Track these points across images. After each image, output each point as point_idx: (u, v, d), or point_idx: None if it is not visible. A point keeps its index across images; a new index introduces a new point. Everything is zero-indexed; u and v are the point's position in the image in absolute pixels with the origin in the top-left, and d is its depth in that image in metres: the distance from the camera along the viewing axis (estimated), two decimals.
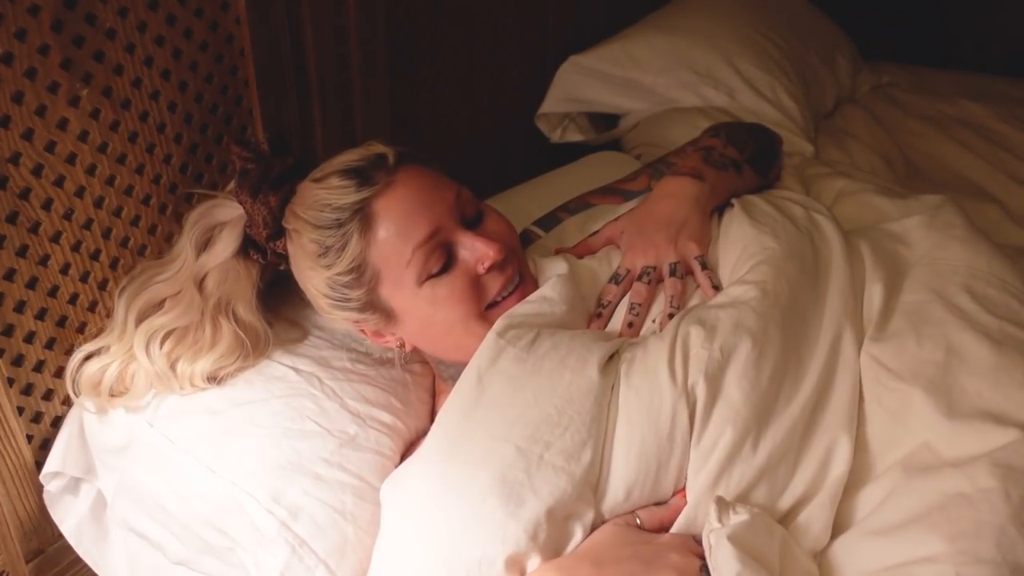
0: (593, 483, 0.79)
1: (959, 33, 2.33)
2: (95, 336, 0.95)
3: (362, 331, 0.95)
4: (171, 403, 0.93)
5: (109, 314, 0.97)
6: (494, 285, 0.89)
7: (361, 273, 0.87)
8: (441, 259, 0.87)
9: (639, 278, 0.95)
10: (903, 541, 0.75)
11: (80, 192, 0.91)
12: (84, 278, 0.95)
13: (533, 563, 0.76)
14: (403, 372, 0.99)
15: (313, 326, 1.00)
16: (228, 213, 0.94)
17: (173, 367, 0.91)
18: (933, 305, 0.91)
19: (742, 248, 0.94)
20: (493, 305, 0.90)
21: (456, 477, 0.79)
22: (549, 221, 1.13)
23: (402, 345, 0.94)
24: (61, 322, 0.94)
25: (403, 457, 0.94)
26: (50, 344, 0.94)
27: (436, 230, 0.87)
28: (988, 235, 1.02)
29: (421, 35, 1.42)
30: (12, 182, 0.84)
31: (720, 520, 0.75)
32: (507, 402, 0.82)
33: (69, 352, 0.94)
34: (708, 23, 1.78)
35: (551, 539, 0.77)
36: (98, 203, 0.93)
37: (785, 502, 0.80)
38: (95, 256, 0.95)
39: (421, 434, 0.97)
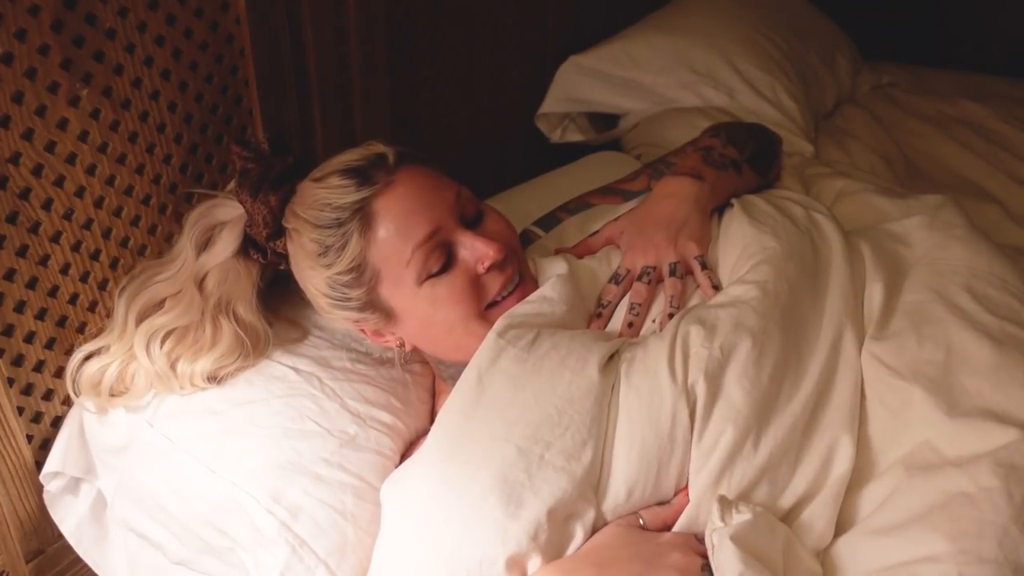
0: (594, 483, 0.79)
1: (959, 33, 2.33)
2: (95, 336, 0.95)
3: (362, 331, 0.95)
4: (171, 403, 0.92)
5: (109, 314, 0.97)
6: (494, 285, 0.89)
7: (361, 272, 0.87)
8: (441, 259, 0.87)
9: (639, 278, 0.95)
10: (905, 540, 0.75)
11: (80, 192, 0.91)
12: (84, 278, 0.95)
13: (534, 564, 0.76)
14: (403, 372, 0.99)
15: (313, 326, 1.00)
16: (228, 213, 0.94)
17: (173, 367, 0.91)
18: (934, 305, 0.91)
19: (742, 248, 0.94)
20: (493, 305, 0.90)
21: (457, 477, 0.79)
22: (549, 221, 1.13)
23: (402, 345, 0.94)
24: (61, 322, 0.94)
25: (403, 457, 0.94)
26: (50, 344, 0.94)
27: (436, 230, 0.87)
28: (988, 235, 1.02)
29: (421, 35, 1.42)
30: (12, 182, 0.84)
31: (723, 519, 0.75)
32: (507, 402, 0.82)
33: (69, 352, 0.94)
34: (708, 23, 1.78)
35: (552, 540, 0.77)
36: (98, 203, 0.93)
37: (787, 500, 0.80)
38: (95, 256, 0.95)
39: (421, 434, 0.97)
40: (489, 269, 0.88)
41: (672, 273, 0.94)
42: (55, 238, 0.90)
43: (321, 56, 1.18)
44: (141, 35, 0.92)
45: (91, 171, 0.91)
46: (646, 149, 1.61)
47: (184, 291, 0.92)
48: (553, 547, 0.77)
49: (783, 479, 0.81)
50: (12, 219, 0.86)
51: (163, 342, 0.91)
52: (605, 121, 1.86)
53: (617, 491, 0.79)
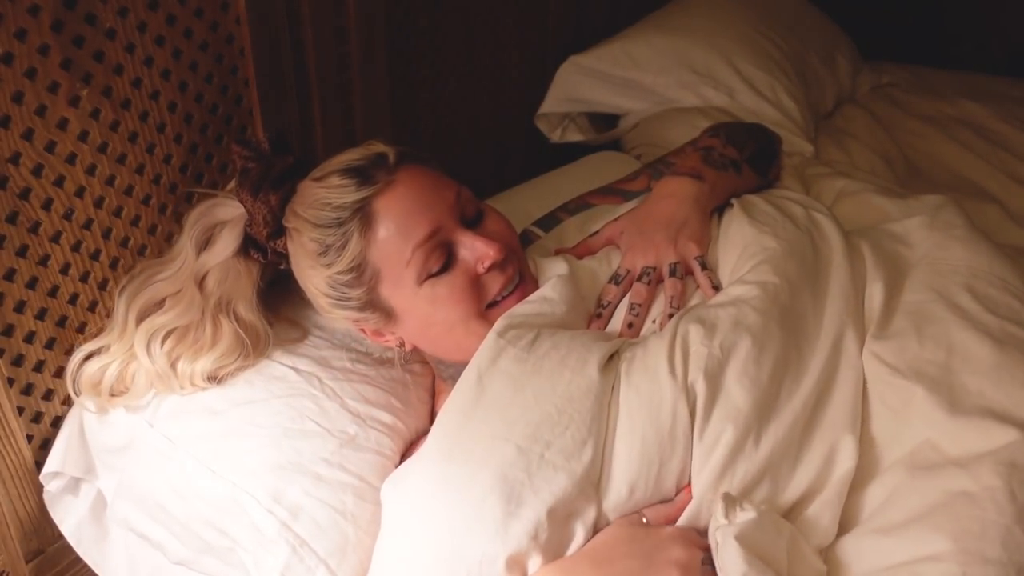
0: (595, 481, 0.79)
1: (959, 33, 2.33)
2: (95, 336, 0.95)
3: (362, 330, 0.95)
4: (171, 403, 0.92)
5: (109, 314, 0.97)
6: (494, 285, 0.89)
7: (361, 272, 0.87)
8: (441, 258, 0.87)
9: (639, 278, 0.95)
10: (907, 540, 0.75)
11: (80, 192, 0.91)
12: (84, 278, 0.95)
13: (534, 563, 0.76)
14: (403, 372, 0.99)
15: (313, 326, 1.00)
16: (228, 212, 0.94)
17: (174, 366, 0.91)
18: (934, 305, 0.91)
19: (742, 248, 0.94)
20: (493, 305, 0.90)
21: (457, 476, 0.79)
22: (549, 221, 1.13)
23: (402, 344, 0.94)
24: (61, 322, 0.94)
25: (403, 457, 0.94)
26: (50, 344, 0.94)
27: (436, 229, 0.87)
28: (988, 235, 1.02)
29: (421, 35, 1.42)
30: (12, 182, 0.84)
31: (727, 516, 0.75)
32: (507, 402, 0.82)
33: (69, 352, 0.94)
34: (708, 23, 1.78)
35: (552, 539, 0.77)
36: (98, 203, 0.93)
37: (789, 497, 0.80)
38: (95, 256, 0.95)
39: (421, 434, 0.97)
40: (489, 269, 0.88)
41: (672, 274, 0.94)
42: (55, 238, 0.90)
43: (321, 56, 1.18)
44: (141, 35, 0.92)
45: (91, 171, 0.91)
46: (646, 149, 1.61)
47: (184, 290, 0.92)
48: (554, 546, 0.77)
49: (785, 476, 0.81)
50: (12, 219, 0.86)
51: (163, 341, 0.91)
52: (605, 121, 1.86)
53: (619, 489, 0.79)
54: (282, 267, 0.95)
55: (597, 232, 1.04)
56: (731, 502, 0.76)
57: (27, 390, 0.93)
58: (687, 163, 1.04)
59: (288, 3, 1.10)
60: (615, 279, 0.96)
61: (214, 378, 0.92)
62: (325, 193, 0.87)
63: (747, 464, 0.79)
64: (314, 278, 0.90)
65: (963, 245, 0.98)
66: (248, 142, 0.92)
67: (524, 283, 0.92)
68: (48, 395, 0.96)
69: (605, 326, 0.94)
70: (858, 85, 1.93)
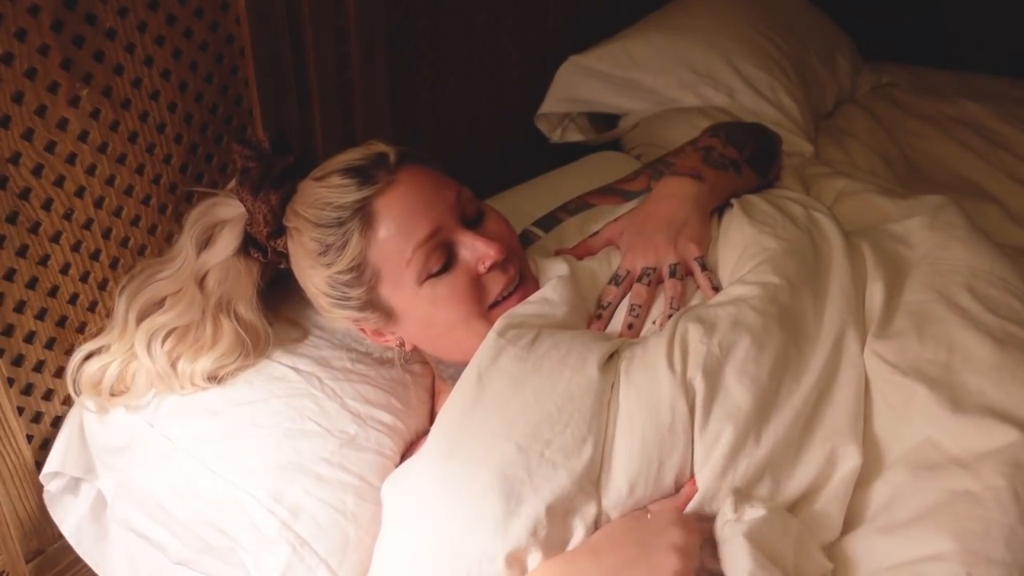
0: (595, 479, 0.79)
1: (959, 33, 2.33)
2: (95, 335, 0.95)
3: (362, 330, 0.95)
4: (171, 403, 0.92)
5: (109, 314, 0.96)
6: (495, 285, 0.89)
7: (361, 272, 0.87)
8: (442, 258, 0.87)
9: (639, 279, 0.95)
10: (910, 539, 0.75)
11: (80, 192, 0.91)
12: (84, 278, 0.95)
13: (534, 560, 0.76)
14: (403, 372, 0.99)
15: (313, 326, 1.00)
16: (229, 211, 0.94)
17: (174, 366, 0.91)
18: (935, 305, 0.91)
19: (742, 249, 0.94)
20: (494, 305, 0.90)
21: (457, 475, 0.79)
22: (549, 221, 1.13)
23: (402, 344, 0.94)
24: (61, 322, 0.94)
25: (403, 457, 0.94)
26: (50, 344, 0.94)
27: (437, 229, 0.87)
28: (989, 235, 1.02)
29: (421, 35, 1.42)
30: (12, 182, 0.84)
31: (736, 511, 0.75)
32: (507, 400, 0.82)
33: (69, 352, 0.94)
34: (708, 23, 1.78)
35: (552, 536, 0.77)
36: (98, 203, 0.93)
37: (791, 493, 0.80)
38: (95, 256, 0.95)
39: (421, 434, 0.97)
40: (490, 269, 0.88)
41: (672, 274, 0.94)
42: (55, 238, 0.90)
43: (321, 56, 1.18)
44: (141, 35, 0.92)
45: (91, 171, 0.91)
46: (646, 149, 1.61)
47: (185, 290, 0.92)
48: (553, 543, 0.77)
49: (786, 473, 0.81)
50: (12, 219, 0.86)
51: (164, 341, 0.91)
52: (605, 121, 1.86)
53: (619, 486, 0.79)
54: (282, 266, 0.95)
55: (597, 232, 1.04)
56: (741, 498, 0.76)
57: (27, 390, 0.93)
58: (687, 163, 1.04)
59: (288, 3, 1.10)
60: (615, 280, 0.96)
61: (214, 378, 0.92)
62: (326, 192, 0.87)
63: (748, 462, 0.79)
64: (314, 278, 0.90)
65: (964, 245, 0.98)
66: (248, 141, 0.92)
67: (525, 283, 0.92)
68: (48, 395, 0.96)
69: (605, 327, 0.94)
70: (858, 85, 1.93)
